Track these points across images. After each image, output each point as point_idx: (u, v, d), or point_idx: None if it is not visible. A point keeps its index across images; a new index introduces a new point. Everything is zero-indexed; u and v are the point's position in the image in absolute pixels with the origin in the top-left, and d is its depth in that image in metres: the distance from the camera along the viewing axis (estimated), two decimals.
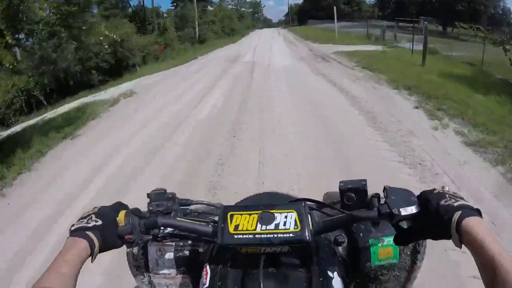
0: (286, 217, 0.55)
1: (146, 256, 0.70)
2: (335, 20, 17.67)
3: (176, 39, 18.29)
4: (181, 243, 0.70)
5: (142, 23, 19.56)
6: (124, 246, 0.62)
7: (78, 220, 0.57)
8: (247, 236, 0.54)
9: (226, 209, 0.59)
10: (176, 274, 0.70)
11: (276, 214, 0.56)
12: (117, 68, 13.07)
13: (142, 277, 0.72)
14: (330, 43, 14.77)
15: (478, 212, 0.50)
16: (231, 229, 0.55)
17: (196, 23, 22.79)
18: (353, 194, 0.62)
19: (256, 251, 0.57)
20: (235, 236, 0.55)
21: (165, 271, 0.70)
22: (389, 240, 0.64)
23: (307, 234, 0.54)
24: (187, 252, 0.70)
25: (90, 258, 0.53)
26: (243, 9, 62.24)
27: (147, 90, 8.04)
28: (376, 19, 31.11)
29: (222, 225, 0.56)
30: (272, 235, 0.54)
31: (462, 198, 0.52)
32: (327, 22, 28.58)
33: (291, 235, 0.54)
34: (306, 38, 20.32)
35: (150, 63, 14.56)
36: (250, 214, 0.56)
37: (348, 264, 0.66)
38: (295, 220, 0.55)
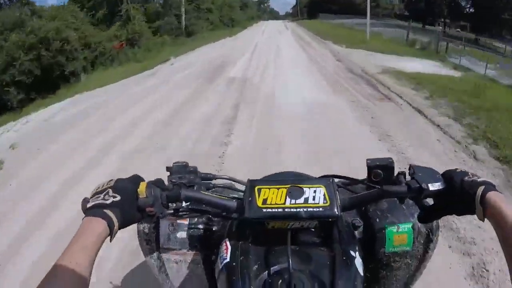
0: (315, 191, 0.55)
1: (157, 230, 0.68)
2: (368, 15, 12.57)
3: (148, 31, 13.39)
4: (195, 220, 0.68)
5: (113, 9, 14.40)
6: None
7: (93, 196, 0.52)
8: (276, 209, 0.54)
9: (253, 182, 0.57)
10: (188, 251, 0.68)
11: (305, 189, 0.55)
12: (53, 79, 9.05)
13: (151, 252, 0.69)
14: (362, 49, 10.14)
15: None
16: (259, 202, 0.54)
17: (182, 10, 17.38)
18: (381, 171, 0.63)
19: (283, 226, 0.55)
20: (264, 210, 0.54)
21: (177, 247, 0.68)
22: (405, 227, 0.65)
23: (336, 209, 0.54)
24: (201, 229, 0.68)
25: (108, 238, 0.49)
26: None
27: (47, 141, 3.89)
28: (391, 17, 27.30)
29: (250, 199, 0.55)
30: (301, 209, 0.53)
31: (482, 177, 0.53)
32: (341, 17, 25.60)
33: (320, 209, 0.54)
34: (323, 36, 15.30)
35: (103, 67, 10.05)
36: (278, 188, 0.56)
37: (363, 248, 0.65)
38: (324, 195, 0.55)
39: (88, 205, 0.50)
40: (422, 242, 0.67)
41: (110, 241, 0.49)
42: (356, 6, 30.68)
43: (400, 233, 0.65)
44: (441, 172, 0.57)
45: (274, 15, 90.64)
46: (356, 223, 0.65)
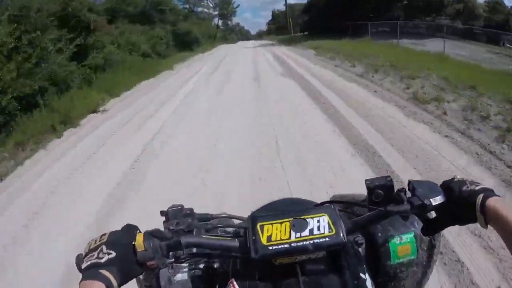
0: (318, 221, 0.55)
1: (157, 275, 0.65)
2: None
3: None
4: (195, 260, 0.65)
5: None
6: None
7: (87, 255, 0.49)
8: (282, 246, 0.53)
9: (255, 219, 0.56)
10: None
11: (308, 220, 0.55)
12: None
13: None
14: None
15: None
16: (263, 240, 0.53)
17: None
18: (381, 191, 0.62)
19: (291, 261, 0.55)
20: (270, 248, 0.53)
21: None
22: (407, 237, 0.66)
23: (342, 236, 0.53)
24: (202, 269, 0.66)
25: None
26: (201, 9, 39.05)
27: None
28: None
29: (254, 238, 0.54)
30: (308, 242, 0.53)
31: (480, 183, 0.54)
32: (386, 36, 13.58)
33: (327, 239, 0.53)
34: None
35: None
36: (281, 223, 0.55)
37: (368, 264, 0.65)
38: (328, 223, 0.54)
39: (83, 266, 0.48)
40: (426, 248, 0.68)
41: None
42: (414, 11, 18.59)
43: (403, 243, 0.66)
44: (441, 182, 0.58)
45: (244, 35, 78.08)
46: (358, 240, 0.66)
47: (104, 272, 0.46)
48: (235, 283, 0.57)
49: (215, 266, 0.66)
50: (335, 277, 0.56)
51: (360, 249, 0.65)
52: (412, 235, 0.66)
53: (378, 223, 0.65)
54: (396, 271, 0.67)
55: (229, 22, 50.74)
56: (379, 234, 0.66)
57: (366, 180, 0.64)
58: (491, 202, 0.50)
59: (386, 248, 0.65)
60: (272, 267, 0.55)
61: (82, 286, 0.45)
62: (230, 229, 0.71)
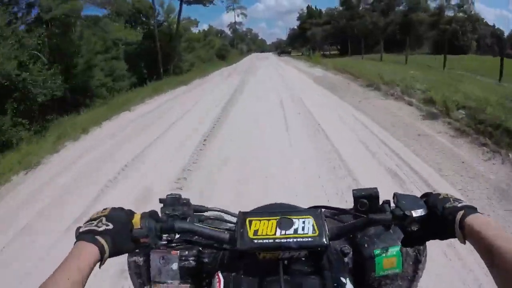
0: (304, 222, 0.57)
1: (148, 263, 0.69)
2: None
3: None
4: (186, 252, 0.69)
5: None
6: (126, 255, 0.62)
7: (86, 222, 0.54)
8: (267, 240, 0.56)
9: (245, 214, 0.60)
10: (179, 283, 0.68)
11: (294, 220, 0.58)
12: None
13: (142, 286, 0.71)
14: None
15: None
16: (250, 234, 0.56)
17: None
18: (366, 201, 0.65)
19: (274, 257, 0.58)
20: (255, 241, 0.56)
21: (168, 280, 0.68)
22: (393, 250, 0.67)
23: (324, 238, 0.56)
24: (192, 262, 0.68)
25: (98, 264, 0.50)
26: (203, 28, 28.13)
27: None
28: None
29: (241, 230, 0.57)
30: (291, 240, 0.56)
31: (463, 201, 0.56)
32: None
33: (310, 239, 0.56)
34: None
35: None
36: (268, 220, 0.58)
37: (353, 275, 0.67)
38: (313, 225, 0.57)
39: (80, 230, 0.52)
40: (411, 263, 0.69)
41: (100, 267, 0.51)
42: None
43: (389, 256, 0.67)
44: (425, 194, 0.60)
45: (259, 46, 69.05)
46: (345, 250, 0.68)
47: (100, 238, 0.50)
48: (220, 275, 0.60)
49: (205, 260, 0.69)
50: (316, 278, 0.59)
51: (346, 259, 0.68)
52: (398, 248, 0.67)
53: (361, 231, 0.68)
54: (381, 283, 0.68)
55: (237, 26, 37.68)
56: (366, 245, 0.68)
57: (353, 190, 0.67)
58: (470, 219, 0.51)
59: (372, 260, 0.67)
60: (256, 262, 0.58)
61: (77, 245, 0.50)
62: (221, 223, 0.75)
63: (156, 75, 15.73)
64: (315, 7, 43.35)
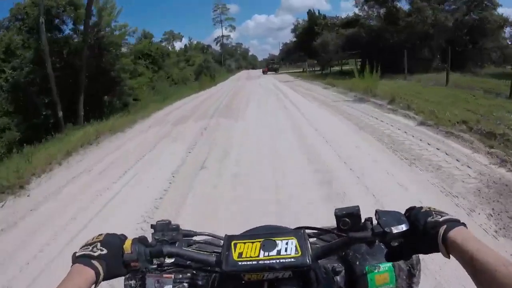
0: (287, 243, 0.59)
1: (144, 287, 0.72)
2: None
3: None
4: (180, 276, 0.72)
5: None
6: (122, 278, 0.66)
7: (82, 247, 0.57)
8: (250, 262, 0.57)
9: (230, 238, 0.62)
10: None
11: (277, 241, 0.59)
12: None
13: None
14: None
15: (464, 225, 0.53)
16: (235, 256, 0.58)
17: None
18: (348, 219, 0.65)
19: (259, 278, 0.58)
20: (239, 263, 0.57)
21: None
22: (385, 266, 0.68)
23: (307, 258, 0.57)
24: (186, 284, 0.71)
25: (93, 286, 0.54)
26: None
27: None
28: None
29: (227, 253, 0.59)
30: (274, 261, 0.57)
31: (447, 214, 0.56)
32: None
33: (292, 260, 0.57)
34: None
35: None
36: (253, 242, 0.60)
37: None
38: (296, 246, 0.58)
39: (77, 254, 0.55)
40: (405, 277, 0.70)
41: None
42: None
43: (381, 272, 0.68)
44: (409, 208, 0.60)
45: (250, 62, 62.27)
46: (337, 268, 0.69)
47: (95, 262, 0.54)
48: None
49: (199, 283, 0.71)
50: None
51: (338, 277, 0.69)
52: (390, 264, 0.68)
53: (344, 250, 0.70)
54: None
55: (224, 39, 34.58)
56: (357, 263, 0.69)
57: (336, 209, 0.66)
58: (452, 233, 0.51)
59: (364, 277, 0.68)
60: (242, 283, 0.59)
61: (74, 268, 0.53)
62: (209, 247, 0.76)
63: (74, 118, 10.32)
64: (318, 12, 33.32)
